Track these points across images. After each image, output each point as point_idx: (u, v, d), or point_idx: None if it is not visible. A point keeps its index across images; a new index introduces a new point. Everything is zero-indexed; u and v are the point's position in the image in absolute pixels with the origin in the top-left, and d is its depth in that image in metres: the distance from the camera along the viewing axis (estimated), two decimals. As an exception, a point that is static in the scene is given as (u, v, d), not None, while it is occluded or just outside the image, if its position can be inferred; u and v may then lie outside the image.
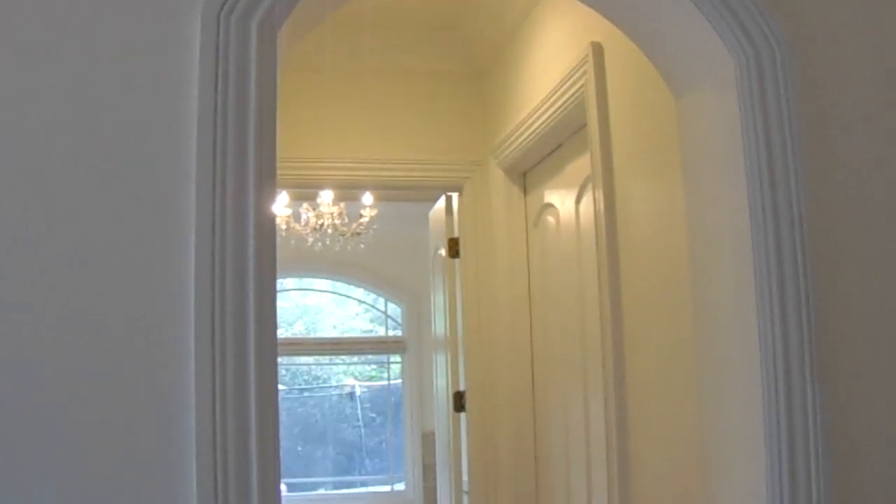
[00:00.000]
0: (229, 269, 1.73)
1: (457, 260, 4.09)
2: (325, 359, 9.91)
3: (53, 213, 1.71)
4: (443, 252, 4.20)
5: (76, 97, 1.74)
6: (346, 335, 9.77)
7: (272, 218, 1.84)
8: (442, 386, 4.38)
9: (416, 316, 9.10)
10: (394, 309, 9.58)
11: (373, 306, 9.77)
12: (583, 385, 3.22)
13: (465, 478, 4.07)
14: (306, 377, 10.21)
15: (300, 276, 9.43)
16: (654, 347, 2.60)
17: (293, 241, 6.79)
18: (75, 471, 1.66)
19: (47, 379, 1.67)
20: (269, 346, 1.78)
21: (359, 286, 9.53)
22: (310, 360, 9.86)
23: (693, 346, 2.25)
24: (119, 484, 1.67)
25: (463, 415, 4.04)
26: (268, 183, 1.81)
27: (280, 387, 8.20)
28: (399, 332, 9.49)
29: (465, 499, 4.07)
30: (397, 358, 9.52)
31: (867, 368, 2.05)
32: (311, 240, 6.75)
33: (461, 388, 4.05)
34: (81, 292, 1.70)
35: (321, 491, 9.55)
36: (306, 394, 10.28)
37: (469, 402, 4.00)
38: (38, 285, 1.68)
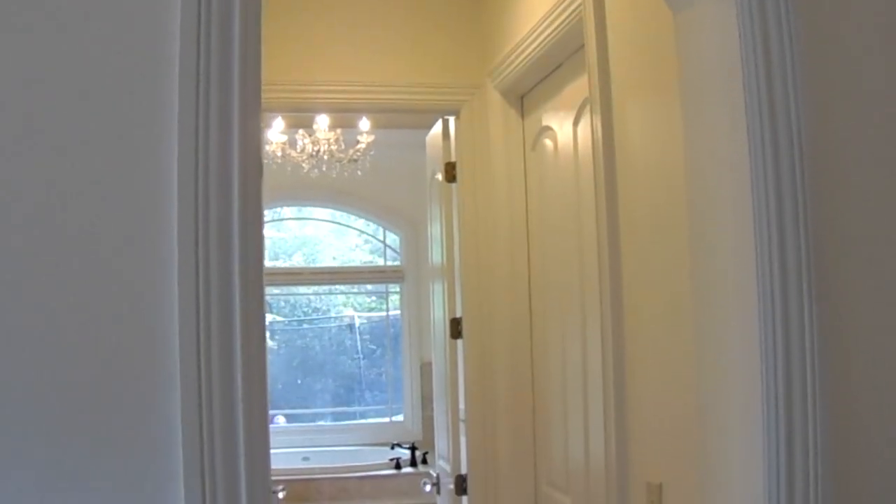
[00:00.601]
0: (213, 193, 1.66)
1: (454, 184, 4.02)
2: (324, 289, 9.89)
3: (31, 133, 1.64)
4: (439, 177, 4.14)
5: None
6: (344, 265, 9.77)
7: (258, 143, 1.78)
8: (439, 315, 4.35)
9: (415, 245, 9.08)
10: (393, 239, 9.54)
11: (371, 236, 9.73)
12: (581, 312, 3.18)
13: (461, 406, 4.05)
14: (305, 309, 10.24)
15: (298, 205, 9.37)
16: (652, 274, 2.55)
17: (289, 169, 6.72)
18: (54, 410, 1.61)
19: (31, 307, 1.61)
20: (255, 275, 1.72)
21: (357, 216, 9.48)
22: (309, 291, 9.85)
23: (691, 274, 2.20)
24: (102, 420, 1.63)
25: (460, 342, 4.01)
26: (252, 103, 1.74)
27: (278, 318, 8.26)
28: (398, 262, 9.46)
29: (462, 427, 4.05)
30: (396, 288, 9.51)
31: (864, 290, 2.01)
32: (307, 167, 6.69)
33: (458, 315, 4.01)
34: (59, 221, 1.64)
35: (320, 423, 9.59)
36: (305, 326, 10.26)
37: (466, 328, 3.97)
38: (13, 207, 1.62)
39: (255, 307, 1.73)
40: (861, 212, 2.03)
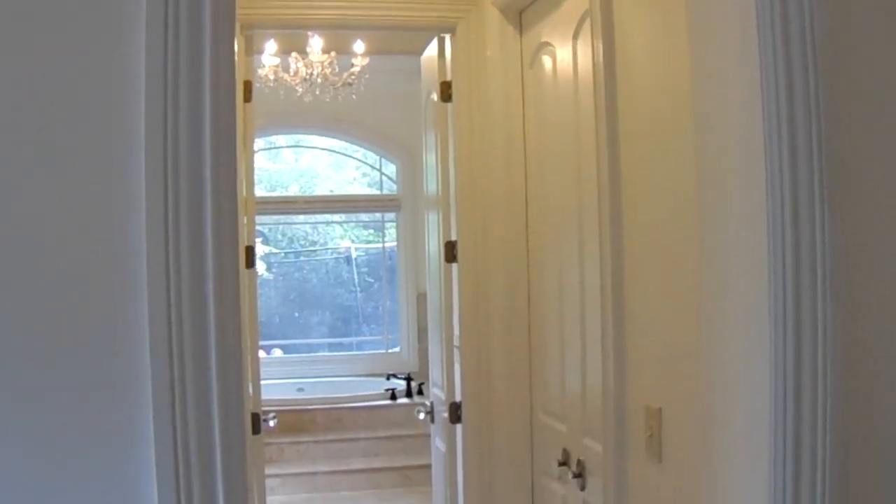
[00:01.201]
0: (183, 106, 1.56)
1: (449, 104, 3.88)
2: (321, 220, 9.83)
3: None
4: (435, 97, 4.00)
5: None
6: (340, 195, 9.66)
7: (231, 60, 1.66)
8: (434, 241, 4.25)
9: (411, 174, 8.98)
10: (390, 169, 9.42)
11: (368, 164, 9.60)
12: (579, 234, 3.07)
13: (456, 332, 3.97)
14: (303, 242, 10.21)
15: (293, 132, 9.23)
16: (653, 194, 2.44)
17: (282, 93, 6.58)
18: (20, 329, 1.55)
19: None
20: (228, 198, 1.62)
21: (353, 143, 9.35)
22: (306, 221, 9.78)
23: (694, 196, 2.09)
24: (67, 342, 1.56)
25: (455, 266, 3.91)
26: (226, 13, 1.63)
27: (274, 250, 8.19)
28: (394, 192, 9.35)
29: (456, 354, 3.97)
30: (392, 217, 9.41)
31: (879, 198, 1.90)
32: (301, 90, 6.54)
33: (453, 238, 3.91)
34: (28, 132, 1.56)
35: (317, 353, 9.58)
36: (303, 259, 10.29)
37: (461, 252, 3.87)
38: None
39: (228, 227, 1.63)
40: (877, 106, 1.91)
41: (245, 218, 3.76)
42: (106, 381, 1.56)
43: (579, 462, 3.05)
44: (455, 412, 3.93)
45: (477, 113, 3.80)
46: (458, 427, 3.95)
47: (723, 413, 1.98)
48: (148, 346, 1.55)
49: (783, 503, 1.79)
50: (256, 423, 3.80)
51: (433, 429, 4.49)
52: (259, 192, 8.51)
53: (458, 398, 3.93)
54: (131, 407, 1.55)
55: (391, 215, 9.49)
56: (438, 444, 4.35)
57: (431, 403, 4.38)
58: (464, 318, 3.86)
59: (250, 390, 3.77)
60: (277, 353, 9.62)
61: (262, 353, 9.54)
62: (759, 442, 1.82)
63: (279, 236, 10.13)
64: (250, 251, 3.80)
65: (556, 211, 3.36)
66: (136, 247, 1.56)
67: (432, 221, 4.30)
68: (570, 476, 3.09)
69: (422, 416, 4.37)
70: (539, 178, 3.54)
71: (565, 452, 3.22)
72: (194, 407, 1.56)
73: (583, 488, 3.04)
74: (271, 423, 4.06)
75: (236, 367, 1.62)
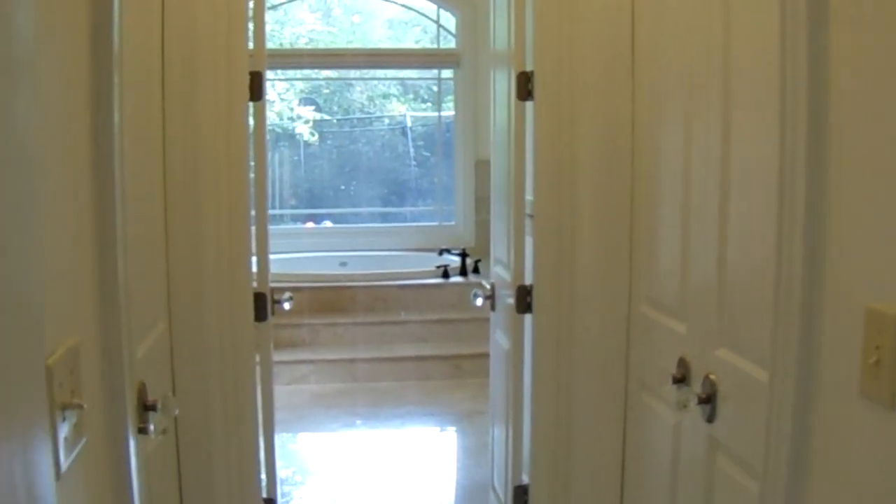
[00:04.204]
0: None
1: None
2: (377, 91, 9.03)
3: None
4: None
5: None
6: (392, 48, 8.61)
7: None
8: (501, 92, 3.27)
9: (472, 26, 7.89)
10: (448, 20, 8.31)
11: (423, 14, 8.49)
12: (722, 56, 2.05)
13: (528, 197, 2.99)
14: (359, 115, 9.74)
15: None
16: None
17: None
18: None
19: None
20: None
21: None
22: (363, 96, 8.95)
23: None
24: None
25: (529, 105, 2.91)
26: None
27: (325, 117, 7.44)
28: (453, 45, 8.25)
29: (528, 223, 3.01)
30: (450, 75, 8.33)
31: None
32: None
33: (528, 68, 2.89)
34: None
35: (364, 225, 8.97)
36: (358, 129, 9.77)
37: (538, 87, 2.85)
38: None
39: None
40: None
41: (252, 26, 2.81)
42: None
43: (709, 381, 2.08)
44: (524, 298, 2.98)
45: None
46: (528, 318, 3.00)
47: None
48: None
49: None
50: (261, 305, 2.89)
51: (493, 318, 3.55)
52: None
53: (528, 281, 2.97)
54: None
55: (448, 77, 8.43)
56: (500, 337, 3.42)
57: (492, 286, 3.44)
58: (540, 177, 2.87)
59: (253, 266, 2.85)
60: (328, 225, 8.99)
61: (311, 225, 8.86)
62: None
63: (334, 107, 9.66)
64: (257, 79, 2.82)
65: (681, 25, 2.33)
66: None
67: (500, 79, 3.32)
68: (692, 400, 2.12)
69: (479, 300, 3.43)
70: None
71: (683, 364, 2.25)
72: None
73: (710, 419, 2.08)
74: (286, 306, 3.17)
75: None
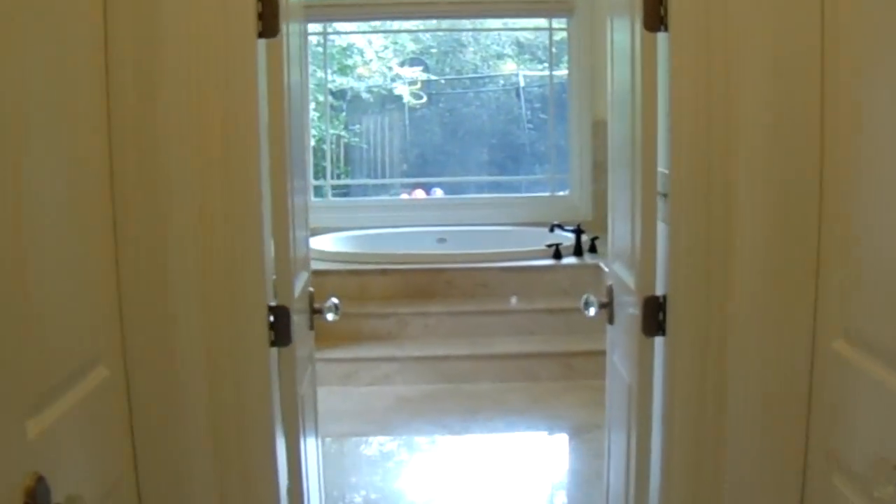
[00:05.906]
0: None
1: None
2: (490, 52, 8.85)
3: None
4: None
5: None
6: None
7: None
8: (623, 35, 2.36)
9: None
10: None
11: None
12: None
13: (661, 169, 2.09)
14: (472, 76, 9.43)
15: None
16: None
17: None
18: None
19: None
20: None
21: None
22: (477, 56, 8.49)
23: None
24: None
25: (661, 37, 2.00)
26: None
27: (432, 77, 6.93)
28: (566, -10, 7.29)
29: (662, 207, 2.11)
30: (563, 25, 7.37)
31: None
32: None
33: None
34: None
35: (482, 195, 8.39)
36: (471, 93, 9.42)
37: (673, 14, 1.94)
38: None
39: None
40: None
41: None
42: None
43: None
44: (654, 315, 2.09)
45: None
46: (659, 342, 2.11)
47: None
48: None
49: None
50: (283, 324, 2.07)
51: (610, 334, 2.66)
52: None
53: (660, 290, 2.08)
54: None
55: (562, 27, 7.47)
56: (619, 362, 2.54)
57: (610, 289, 2.54)
58: (679, 139, 1.97)
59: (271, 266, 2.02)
60: (438, 193, 8.42)
61: (420, 194, 8.16)
62: None
63: (446, 69, 9.36)
64: (270, 4, 1.99)
65: None
66: None
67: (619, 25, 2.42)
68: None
69: (591, 311, 2.54)
70: None
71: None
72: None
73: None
74: (329, 317, 2.37)
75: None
